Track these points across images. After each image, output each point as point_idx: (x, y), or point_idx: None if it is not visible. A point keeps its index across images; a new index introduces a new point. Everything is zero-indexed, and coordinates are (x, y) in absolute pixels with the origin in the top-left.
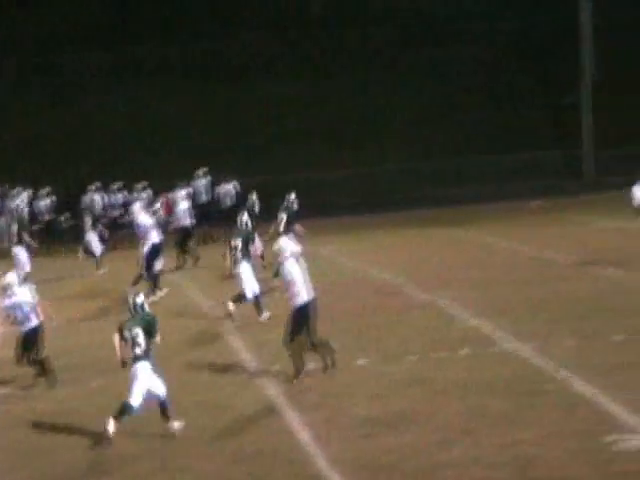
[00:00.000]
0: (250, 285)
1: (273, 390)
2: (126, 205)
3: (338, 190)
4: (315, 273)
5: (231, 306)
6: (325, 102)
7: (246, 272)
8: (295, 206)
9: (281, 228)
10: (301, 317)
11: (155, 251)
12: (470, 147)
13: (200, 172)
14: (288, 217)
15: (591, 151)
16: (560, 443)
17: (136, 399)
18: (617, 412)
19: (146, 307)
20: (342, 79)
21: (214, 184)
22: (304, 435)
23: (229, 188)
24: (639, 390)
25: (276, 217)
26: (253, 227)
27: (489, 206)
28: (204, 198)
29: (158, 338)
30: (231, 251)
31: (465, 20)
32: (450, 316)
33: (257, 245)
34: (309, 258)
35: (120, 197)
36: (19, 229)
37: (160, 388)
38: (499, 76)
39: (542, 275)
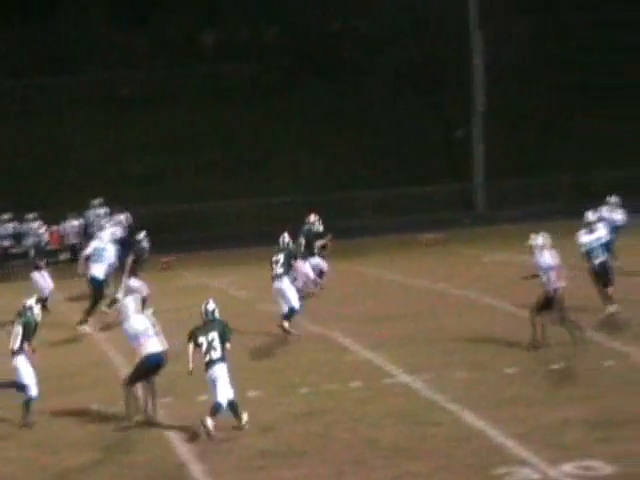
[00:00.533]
0: (295, 297)
1: (165, 422)
2: (16, 236)
3: (232, 221)
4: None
5: (286, 324)
6: (220, 133)
7: (289, 287)
8: (318, 227)
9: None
10: (145, 366)
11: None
12: (363, 179)
13: (95, 202)
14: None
15: (483, 183)
16: (451, 475)
17: (222, 397)
18: (508, 445)
19: (217, 314)
20: (235, 110)
21: (111, 214)
22: (196, 467)
23: (121, 219)
24: (529, 423)
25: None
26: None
27: (381, 239)
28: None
29: (228, 345)
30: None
31: (356, 52)
32: (342, 348)
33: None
34: (202, 291)
35: (10, 227)
36: None
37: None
38: (390, 109)
39: (434, 307)
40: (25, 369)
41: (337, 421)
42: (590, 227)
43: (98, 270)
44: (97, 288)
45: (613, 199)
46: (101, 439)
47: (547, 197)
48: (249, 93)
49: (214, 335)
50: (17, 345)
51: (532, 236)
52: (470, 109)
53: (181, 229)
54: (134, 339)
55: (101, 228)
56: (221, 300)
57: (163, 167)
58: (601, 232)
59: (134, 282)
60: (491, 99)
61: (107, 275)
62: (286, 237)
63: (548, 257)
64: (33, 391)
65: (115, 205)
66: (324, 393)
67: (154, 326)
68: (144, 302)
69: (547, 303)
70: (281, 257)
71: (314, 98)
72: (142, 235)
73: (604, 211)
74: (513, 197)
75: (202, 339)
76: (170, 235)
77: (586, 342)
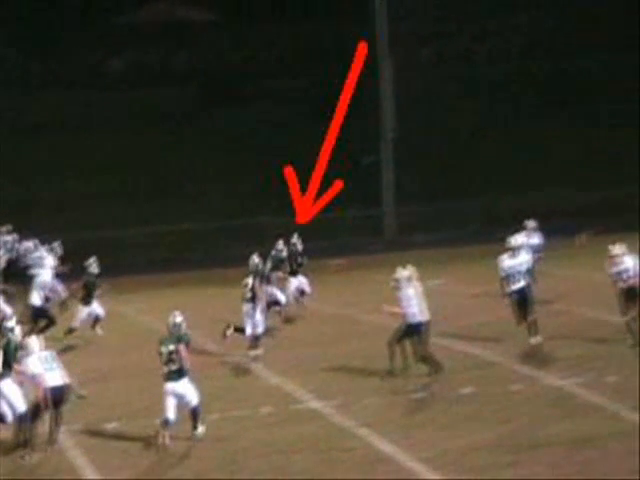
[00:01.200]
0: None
1: (74, 451)
2: None
3: (138, 248)
4: (115, 331)
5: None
6: (128, 158)
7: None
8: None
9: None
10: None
11: None
12: (268, 205)
13: (3, 229)
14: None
15: (392, 209)
16: None
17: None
18: (417, 469)
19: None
20: (144, 137)
21: (21, 240)
22: None
23: (29, 246)
24: (438, 447)
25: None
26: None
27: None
28: (7, 256)
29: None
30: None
31: (262, 78)
32: (252, 375)
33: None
34: (111, 317)
35: None
36: None
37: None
38: (297, 136)
39: (343, 333)
40: (10, 392)
41: (247, 448)
42: (513, 252)
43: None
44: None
45: (531, 223)
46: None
47: (457, 223)
48: (159, 119)
49: (172, 348)
50: None
51: (398, 269)
52: (379, 135)
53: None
54: (33, 376)
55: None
56: (130, 327)
57: (71, 193)
58: (523, 257)
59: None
60: (400, 125)
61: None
62: (255, 259)
63: (411, 291)
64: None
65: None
66: (233, 419)
67: (54, 360)
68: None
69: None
70: (250, 280)
71: (222, 125)
72: (92, 260)
73: (522, 236)
74: (422, 223)
75: (163, 349)
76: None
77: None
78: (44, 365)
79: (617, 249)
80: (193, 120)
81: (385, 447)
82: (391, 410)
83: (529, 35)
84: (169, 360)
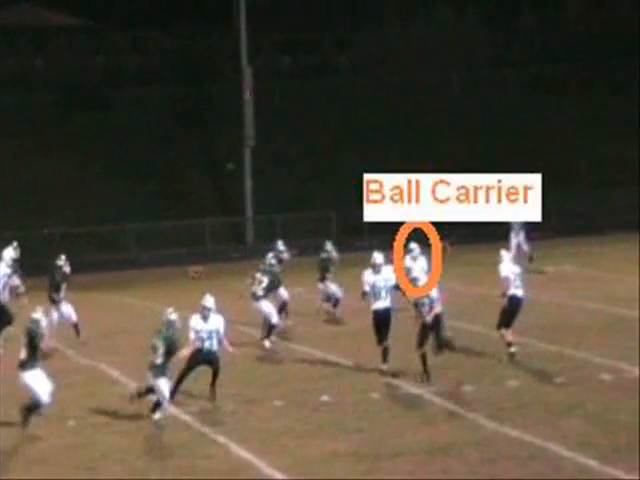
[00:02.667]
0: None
1: None
2: None
3: None
4: None
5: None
6: None
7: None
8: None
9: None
10: None
11: None
12: (131, 212)
13: None
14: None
15: (253, 217)
16: None
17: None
18: (276, 477)
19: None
20: (8, 143)
21: None
22: None
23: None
24: (297, 455)
25: None
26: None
27: (148, 271)
28: None
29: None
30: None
31: (123, 85)
32: (111, 381)
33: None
34: None
35: None
36: None
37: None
38: (160, 142)
39: None
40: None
41: (105, 454)
42: (377, 268)
43: None
44: None
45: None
46: None
47: (314, 232)
48: (16, 125)
49: (160, 343)
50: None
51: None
52: (241, 144)
53: None
54: None
55: None
56: None
57: None
58: (388, 274)
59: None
60: (261, 134)
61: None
62: (271, 259)
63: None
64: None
65: None
66: (91, 425)
67: None
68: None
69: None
70: (266, 280)
71: (82, 132)
72: (62, 260)
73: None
74: (282, 231)
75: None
76: None
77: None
78: None
79: (379, 258)
80: (53, 126)
81: (244, 455)
82: (250, 417)
83: (390, 46)
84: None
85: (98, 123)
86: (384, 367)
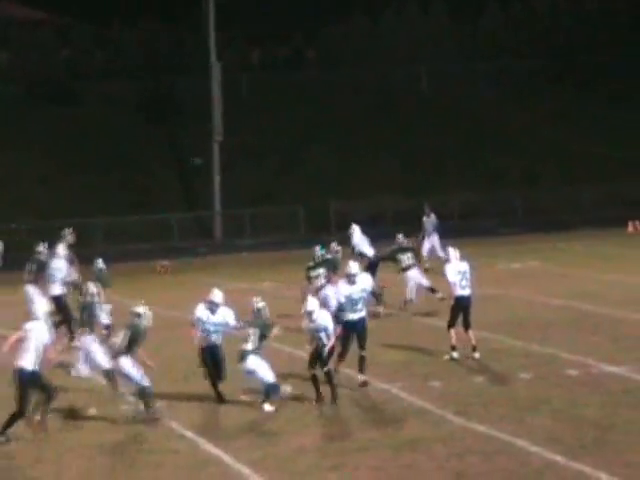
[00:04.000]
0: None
1: None
2: None
3: None
4: None
5: None
6: None
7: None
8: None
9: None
10: None
11: None
12: (95, 207)
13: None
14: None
15: (220, 212)
16: None
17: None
18: (244, 472)
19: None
20: None
21: None
22: None
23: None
24: (265, 450)
25: None
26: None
27: (116, 266)
28: None
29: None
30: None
31: (88, 80)
32: (74, 379)
33: None
34: None
35: None
36: None
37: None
38: (126, 136)
39: (169, 335)
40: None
41: (70, 449)
42: (352, 278)
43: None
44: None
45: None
46: None
47: (282, 227)
48: None
49: (255, 330)
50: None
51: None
52: (209, 138)
53: None
54: None
55: None
56: None
57: None
58: (364, 283)
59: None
60: (228, 129)
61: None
62: (317, 250)
63: None
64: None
65: None
66: (59, 420)
67: None
68: None
69: None
70: (321, 270)
71: (47, 126)
72: (42, 248)
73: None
74: (249, 226)
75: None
76: None
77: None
78: None
79: (354, 268)
80: (18, 120)
81: (212, 449)
82: (218, 412)
83: (359, 40)
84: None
85: (64, 117)
86: (362, 378)
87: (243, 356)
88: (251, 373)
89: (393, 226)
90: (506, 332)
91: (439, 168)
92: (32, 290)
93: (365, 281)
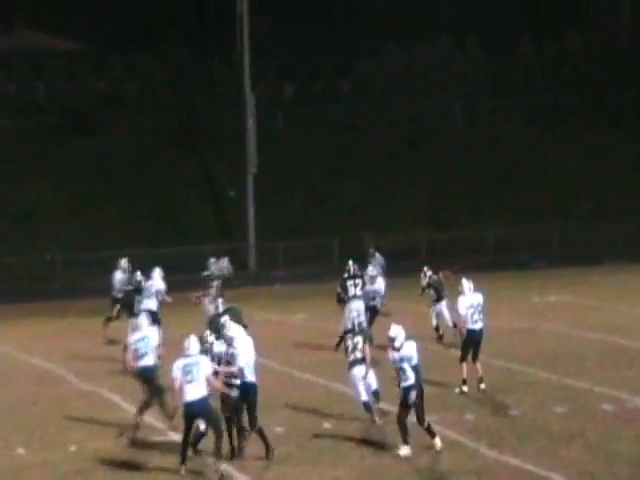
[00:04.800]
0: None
1: None
2: None
3: None
4: None
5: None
6: None
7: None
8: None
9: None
10: None
11: None
12: (131, 238)
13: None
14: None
15: (254, 244)
16: None
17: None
18: None
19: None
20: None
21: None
22: None
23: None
24: None
25: None
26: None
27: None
28: None
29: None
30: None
31: (121, 110)
32: (112, 405)
33: None
34: None
35: None
36: None
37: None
38: (161, 169)
39: None
40: None
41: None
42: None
43: None
44: None
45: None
46: None
47: (316, 259)
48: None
49: (359, 339)
50: None
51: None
52: (243, 170)
53: None
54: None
55: None
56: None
57: None
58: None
59: None
60: (262, 161)
61: None
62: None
63: None
64: None
65: None
66: (92, 451)
67: None
68: None
69: None
70: (359, 340)
71: (81, 157)
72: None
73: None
74: (283, 258)
75: (349, 342)
76: None
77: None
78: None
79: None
80: (52, 151)
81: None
82: (250, 444)
83: (394, 73)
84: (354, 349)
85: (97, 148)
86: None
87: (354, 364)
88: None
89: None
90: (541, 365)
91: (472, 202)
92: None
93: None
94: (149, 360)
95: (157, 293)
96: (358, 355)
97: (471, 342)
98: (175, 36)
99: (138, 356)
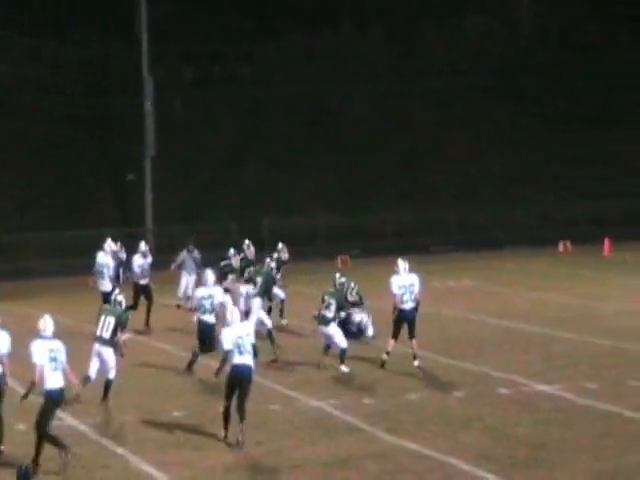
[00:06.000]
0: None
1: None
2: None
3: None
4: None
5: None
6: None
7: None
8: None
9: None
10: None
11: None
12: (31, 222)
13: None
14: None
15: (152, 228)
16: None
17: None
18: None
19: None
20: None
21: None
22: None
23: None
24: (196, 466)
25: None
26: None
27: (49, 281)
28: None
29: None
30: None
31: (21, 95)
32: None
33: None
34: None
35: None
36: None
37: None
38: (61, 153)
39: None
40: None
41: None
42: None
43: None
44: None
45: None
46: None
47: (216, 244)
48: None
49: (332, 300)
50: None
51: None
52: (141, 154)
53: None
54: None
55: None
56: None
57: None
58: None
59: None
60: (162, 145)
61: None
62: (339, 278)
63: None
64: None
65: None
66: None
67: None
68: None
69: None
70: (333, 301)
71: None
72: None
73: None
74: (182, 243)
75: (326, 297)
76: None
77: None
78: None
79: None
80: None
81: (143, 466)
82: (149, 429)
83: (296, 59)
84: (326, 308)
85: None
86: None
87: (325, 321)
88: (329, 337)
89: (328, 244)
90: (440, 350)
91: (374, 186)
92: None
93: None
94: None
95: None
96: None
97: (401, 321)
98: (78, 18)
99: None
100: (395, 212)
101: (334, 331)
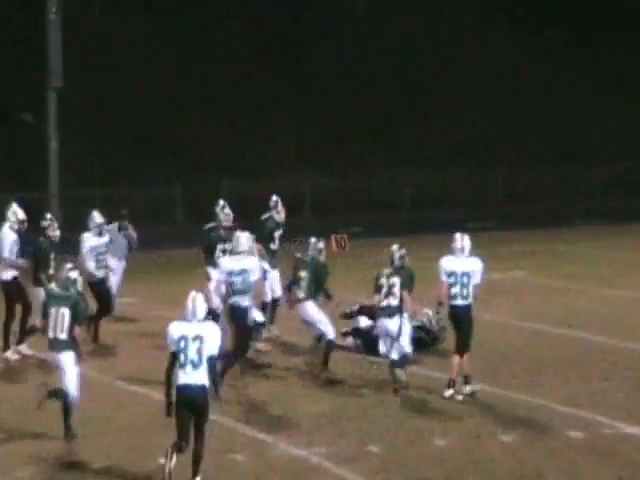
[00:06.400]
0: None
1: None
2: None
3: None
4: None
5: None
6: None
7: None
8: None
9: None
10: None
11: None
12: None
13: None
14: None
15: (56, 193)
16: None
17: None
18: None
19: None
20: None
21: None
22: None
23: None
24: None
25: None
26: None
27: None
28: None
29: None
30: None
31: None
32: None
33: None
34: None
35: None
36: None
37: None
38: None
39: None
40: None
41: None
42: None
43: None
44: None
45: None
46: None
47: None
48: None
49: (394, 281)
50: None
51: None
52: (43, 85)
53: None
54: None
55: None
56: None
57: None
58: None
59: None
60: (72, 73)
61: None
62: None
63: None
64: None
65: None
66: None
67: None
68: None
69: None
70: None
71: None
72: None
73: None
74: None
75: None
76: None
77: None
78: None
79: None
80: None
81: None
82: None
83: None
84: (389, 293)
85: None
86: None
87: (389, 312)
88: (389, 336)
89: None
90: (480, 373)
91: (380, 136)
92: None
93: None
94: None
95: None
96: None
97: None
98: None
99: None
100: (412, 173)
101: (400, 328)
